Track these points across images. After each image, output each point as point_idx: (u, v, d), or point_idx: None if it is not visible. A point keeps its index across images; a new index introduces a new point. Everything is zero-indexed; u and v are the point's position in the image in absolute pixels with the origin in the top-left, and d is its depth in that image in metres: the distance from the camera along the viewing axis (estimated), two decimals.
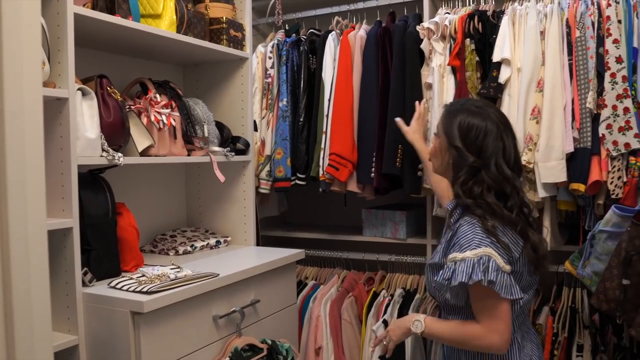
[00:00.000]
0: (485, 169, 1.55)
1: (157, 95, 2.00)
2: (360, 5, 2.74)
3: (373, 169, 2.44)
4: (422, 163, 2.26)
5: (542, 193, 2.11)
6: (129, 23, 1.79)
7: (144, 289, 1.59)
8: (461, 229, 1.54)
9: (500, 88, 2.21)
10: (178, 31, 2.03)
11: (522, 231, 1.55)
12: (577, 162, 2.08)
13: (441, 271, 1.54)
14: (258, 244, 2.49)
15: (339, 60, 2.56)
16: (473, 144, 1.57)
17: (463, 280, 1.45)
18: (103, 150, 1.72)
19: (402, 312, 2.48)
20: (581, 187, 2.06)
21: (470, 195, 1.55)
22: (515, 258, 1.51)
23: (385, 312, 2.52)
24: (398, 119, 2.30)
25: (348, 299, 2.62)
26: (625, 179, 2.03)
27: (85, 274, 1.66)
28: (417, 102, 2.30)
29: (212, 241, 2.31)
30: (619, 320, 1.82)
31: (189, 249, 2.20)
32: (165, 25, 1.97)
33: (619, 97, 2.04)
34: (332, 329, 2.57)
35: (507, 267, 1.47)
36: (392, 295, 2.58)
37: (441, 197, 2.12)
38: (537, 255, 1.55)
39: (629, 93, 2.04)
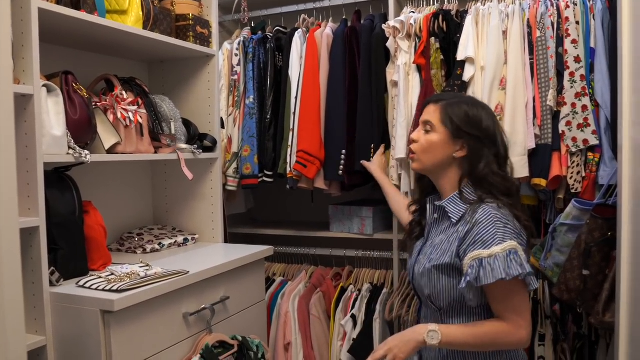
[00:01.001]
0: (500, 160, 1.59)
1: (124, 92, 1.98)
2: (327, 3, 2.75)
3: (342, 165, 2.47)
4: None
5: None
6: (94, 19, 1.77)
7: (114, 288, 1.57)
8: (480, 224, 1.47)
9: (465, 86, 2.26)
10: (144, 27, 2.01)
11: (525, 223, 1.55)
12: (539, 158, 2.15)
13: (467, 272, 1.46)
14: (226, 242, 2.48)
15: (306, 58, 2.57)
16: (488, 134, 1.58)
17: (501, 277, 1.40)
18: (69, 147, 1.69)
19: (370, 307, 2.51)
20: (542, 182, 2.13)
21: (490, 186, 1.54)
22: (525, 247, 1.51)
23: (353, 307, 2.54)
24: (362, 161, 2.39)
25: (316, 294, 2.64)
26: (584, 174, 2.10)
27: (52, 273, 1.63)
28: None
29: (180, 239, 2.30)
30: (579, 310, 1.89)
31: (156, 247, 2.18)
32: (131, 22, 1.95)
33: (577, 96, 2.12)
34: (301, 324, 2.59)
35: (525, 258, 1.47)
36: (359, 290, 2.61)
37: (401, 217, 2.13)
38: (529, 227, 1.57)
39: (587, 91, 2.11)
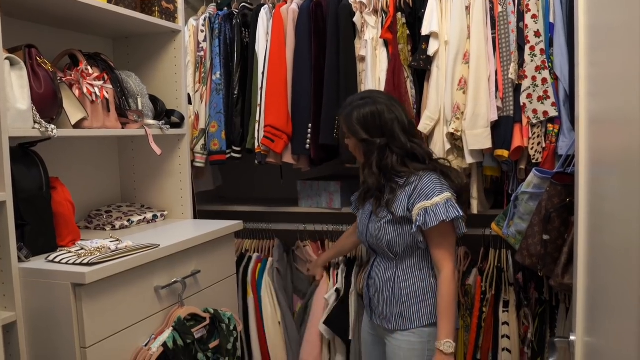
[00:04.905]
0: (391, 142, 1.88)
1: (89, 67, 1.95)
2: None
3: (308, 140, 2.49)
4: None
5: (469, 159, 2.23)
6: None
7: (85, 261, 1.57)
8: (422, 182, 1.85)
9: (430, 60, 2.30)
10: (109, 1, 1.98)
11: (442, 173, 1.90)
12: (501, 129, 2.21)
13: (416, 219, 1.82)
14: (195, 218, 2.48)
15: (272, 34, 2.57)
16: (375, 128, 1.89)
17: (443, 219, 1.78)
18: (35, 122, 1.66)
19: (349, 279, 2.58)
20: (505, 153, 2.20)
21: (386, 169, 1.89)
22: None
23: (337, 281, 2.60)
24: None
25: None
26: (544, 145, 2.17)
27: (20, 249, 1.61)
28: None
29: (149, 215, 2.29)
30: (540, 273, 1.96)
31: (125, 223, 2.18)
32: None
33: (537, 69, 2.18)
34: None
35: None
36: (337, 264, 2.65)
37: (354, 244, 2.47)
38: (460, 187, 1.93)
39: (546, 65, 2.18)
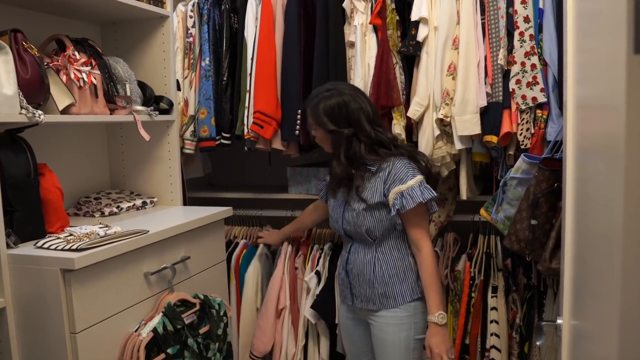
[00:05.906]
0: (358, 131, 1.94)
1: (76, 53, 1.93)
2: None
3: (298, 126, 2.48)
4: None
5: (458, 145, 2.24)
6: None
7: (74, 247, 1.57)
8: (395, 167, 1.92)
9: (419, 46, 2.30)
10: None
11: (410, 156, 1.98)
12: (490, 115, 2.22)
13: (393, 203, 1.89)
14: (185, 205, 2.48)
15: (261, 19, 2.55)
16: (341, 118, 1.94)
17: (420, 201, 1.86)
18: (22, 107, 1.65)
19: (333, 262, 2.58)
20: (494, 139, 2.20)
21: (354, 158, 1.94)
22: None
23: (317, 264, 2.60)
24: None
25: (299, 258, 2.68)
26: (532, 131, 2.18)
27: (8, 235, 1.61)
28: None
29: (139, 202, 2.29)
30: (528, 258, 1.98)
31: (115, 210, 2.17)
32: None
33: (526, 55, 2.18)
34: (292, 288, 2.64)
35: None
36: (322, 249, 2.66)
37: (316, 220, 2.53)
38: (427, 168, 2.03)
39: (535, 51, 2.18)
